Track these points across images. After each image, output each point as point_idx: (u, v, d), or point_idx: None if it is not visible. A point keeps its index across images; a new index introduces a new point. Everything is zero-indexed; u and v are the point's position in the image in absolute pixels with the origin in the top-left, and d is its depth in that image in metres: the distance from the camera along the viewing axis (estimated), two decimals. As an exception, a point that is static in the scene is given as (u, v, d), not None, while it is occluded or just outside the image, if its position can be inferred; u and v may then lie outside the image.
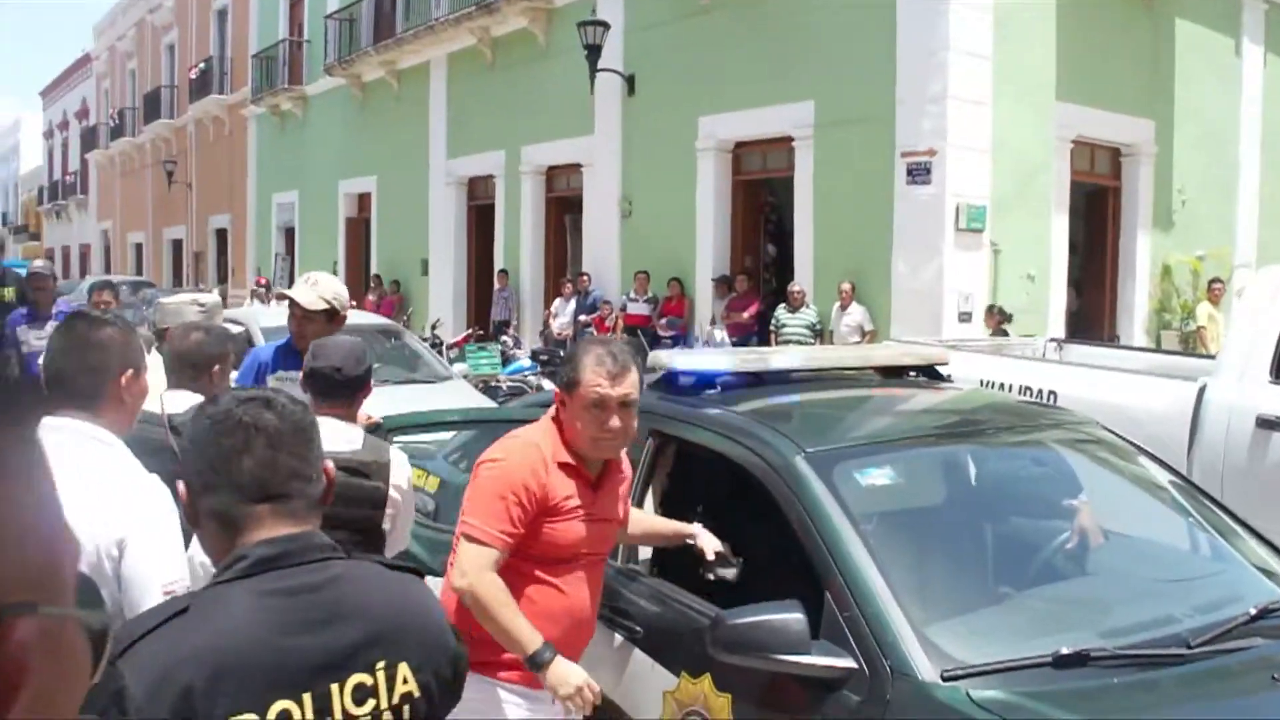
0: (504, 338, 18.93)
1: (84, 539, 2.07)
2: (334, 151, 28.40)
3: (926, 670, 2.83)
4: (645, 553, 4.19)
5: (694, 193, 17.68)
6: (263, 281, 25.75)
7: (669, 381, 4.30)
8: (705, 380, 4.17)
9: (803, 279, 15.87)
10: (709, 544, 3.71)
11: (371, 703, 1.84)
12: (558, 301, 20.10)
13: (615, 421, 3.28)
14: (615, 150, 19.22)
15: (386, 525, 3.63)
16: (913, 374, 4.80)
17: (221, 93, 35.33)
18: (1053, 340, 9.96)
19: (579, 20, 17.92)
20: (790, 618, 2.96)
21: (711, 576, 3.58)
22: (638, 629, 3.67)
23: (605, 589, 3.61)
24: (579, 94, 19.06)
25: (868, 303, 14.98)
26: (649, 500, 4.17)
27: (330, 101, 28.51)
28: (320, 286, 5.04)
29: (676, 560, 4.02)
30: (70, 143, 56.41)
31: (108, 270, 45.81)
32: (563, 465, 3.33)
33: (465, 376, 12.40)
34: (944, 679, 2.80)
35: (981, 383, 7.24)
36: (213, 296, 5.70)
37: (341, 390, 3.82)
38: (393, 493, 3.64)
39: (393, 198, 26.06)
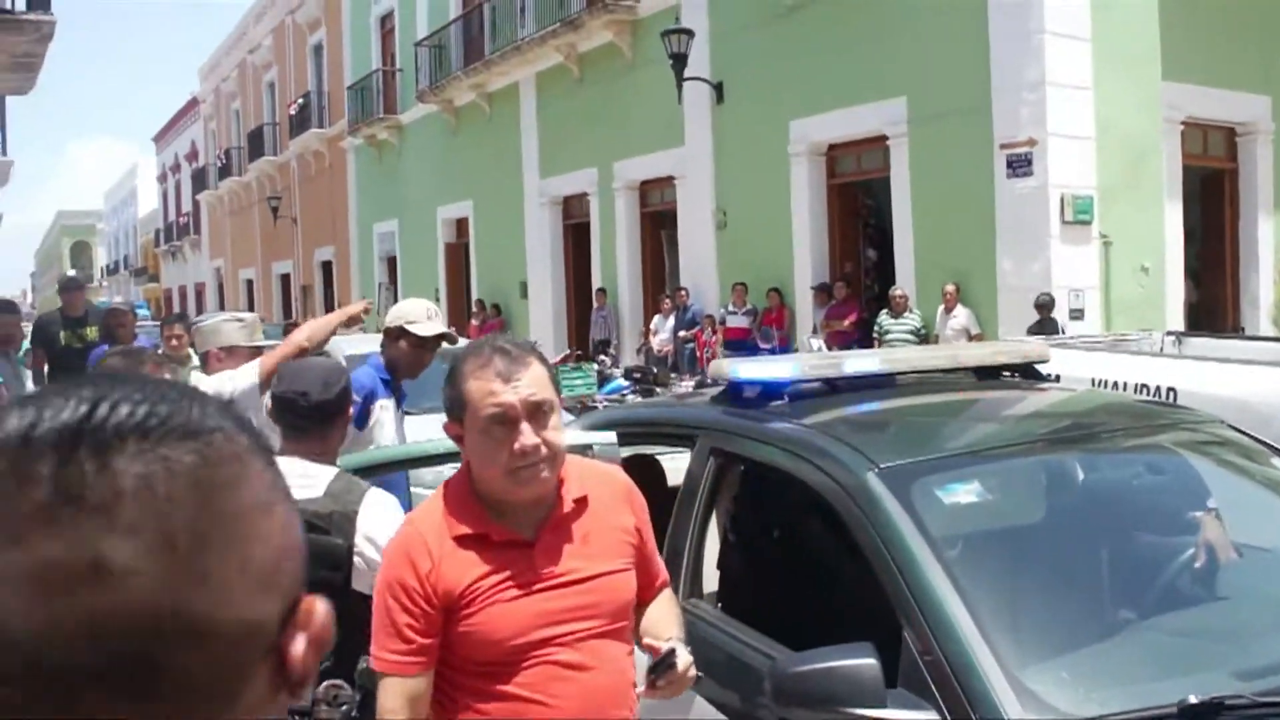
0: (601, 357, 18.63)
1: None
2: (430, 178, 28.49)
3: (1022, 725, 2.37)
4: (711, 583, 3.77)
5: (789, 199, 17.25)
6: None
7: (732, 393, 3.87)
8: (771, 390, 3.73)
9: (904, 282, 15.33)
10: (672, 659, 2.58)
11: None
12: (657, 318, 19.80)
13: (528, 438, 2.39)
14: (707, 160, 18.86)
15: (363, 587, 3.18)
16: (1010, 374, 4.30)
17: (320, 126, 35.72)
18: (1171, 334, 9.29)
19: (663, 30, 17.58)
20: (861, 664, 2.52)
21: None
22: (697, 674, 3.24)
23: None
24: (668, 105, 18.76)
25: (973, 304, 14.37)
26: (712, 528, 3.75)
27: (424, 128, 28.61)
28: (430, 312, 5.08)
29: (745, 591, 3.59)
30: (182, 184, 57.70)
31: (221, 307, 46.60)
32: (461, 539, 2.45)
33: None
34: (1043, 737, 2.34)
35: (1093, 382, 6.68)
36: (252, 315, 5.42)
37: (308, 421, 3.40)
38: (361, 548, 3.15)
39: (489, 221, 26.01)
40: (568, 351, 20.69)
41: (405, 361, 4.97)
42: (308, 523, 3.06)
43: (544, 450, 2.41)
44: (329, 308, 35.57)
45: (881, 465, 3.02)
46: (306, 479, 3.22)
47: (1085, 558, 3.12)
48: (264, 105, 42.66)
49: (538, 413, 2.42)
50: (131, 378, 0.79)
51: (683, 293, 19.19)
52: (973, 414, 3.78)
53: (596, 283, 22.12)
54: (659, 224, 21.41)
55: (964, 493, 3.05)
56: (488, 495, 2.48)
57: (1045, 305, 13.13)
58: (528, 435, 2.39)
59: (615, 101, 20.92)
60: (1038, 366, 4.35)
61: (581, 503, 2.55)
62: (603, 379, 16.37)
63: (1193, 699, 2.36)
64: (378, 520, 3.19)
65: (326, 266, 37.35)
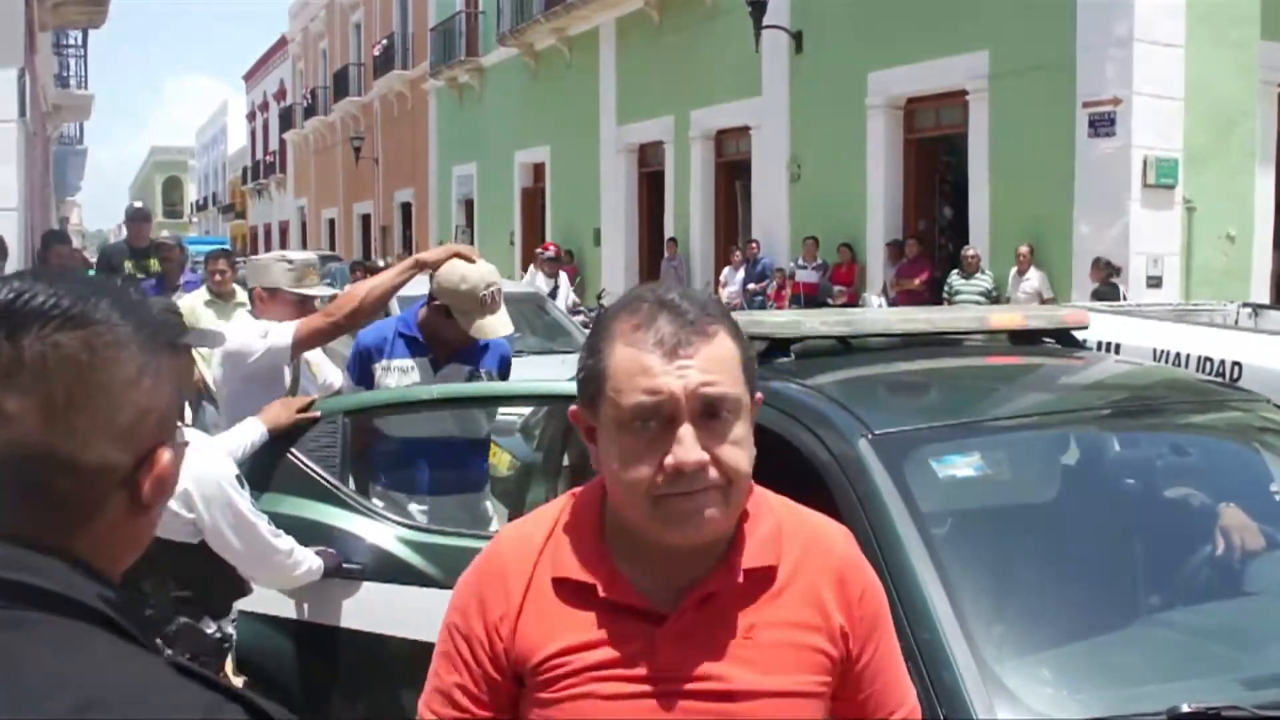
0: (668, 308, 18.37)
1: None
2: (509, 122, 28.38)
3: (991, 726, 2.15)
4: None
5: (864, 153, 16.89)
6: (551, 248, 18.61)
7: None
8: (778, 347, 3.51)
9: (978, 243, 14.92)
10: None
11: None
12: (727, 270, 19.56)
13: (688, 451, 1.56)
14: (783, 111, 18.51)
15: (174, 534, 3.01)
16: (1050, 342, 4.01)
17: (403, 68, 35.77)
18: (1247, 305, 8.87)
19: (742, -25, 17.22)
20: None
21: None
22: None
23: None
24: (746, 54, 18.43)
25: (1047, 267, 13.94)
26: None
27: (505, 72, 28.47)
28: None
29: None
30: (270, 123, 58.15)
31: (304, 245, 47.02)
32: (563, 584, 1.68)
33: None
34: (1011, 740, 2.11)
35: (1155, 353, 6.35)
36: (306, 255, 4.99)
37: None
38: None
39: (566, 167, 25.86)
40: (635, 301, 20.43)
41: (444, 339, 4.38)
42: None
43: (714, 474, 1.56)
44: (407, 249, 35.72)
45: (876, 432, 2.80)
46: None
47: (1093, 544, 2.86)
48: (350, 46, 42.78)
49: (712, 413, 1.57)
50: (59, 275, 1.13)
51: (754, 245, 18.93)
52: (992, 381, 3.52)
53: (668, 232, 21.90)
54: (733, 174, 21.11)
55: (962, 465, 2.80)
56: (619, 528, 1.68)
57: (1105, 267, 12.69)
58: (688, 446, 1.55)
59: (694, 49, 20.59)
60: (1079, 334, 4.05)
61: (766, 574, 1.69)
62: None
63: (1185, 707, 2.12)
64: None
65: (406, 208, 37.50)
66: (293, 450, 3.68)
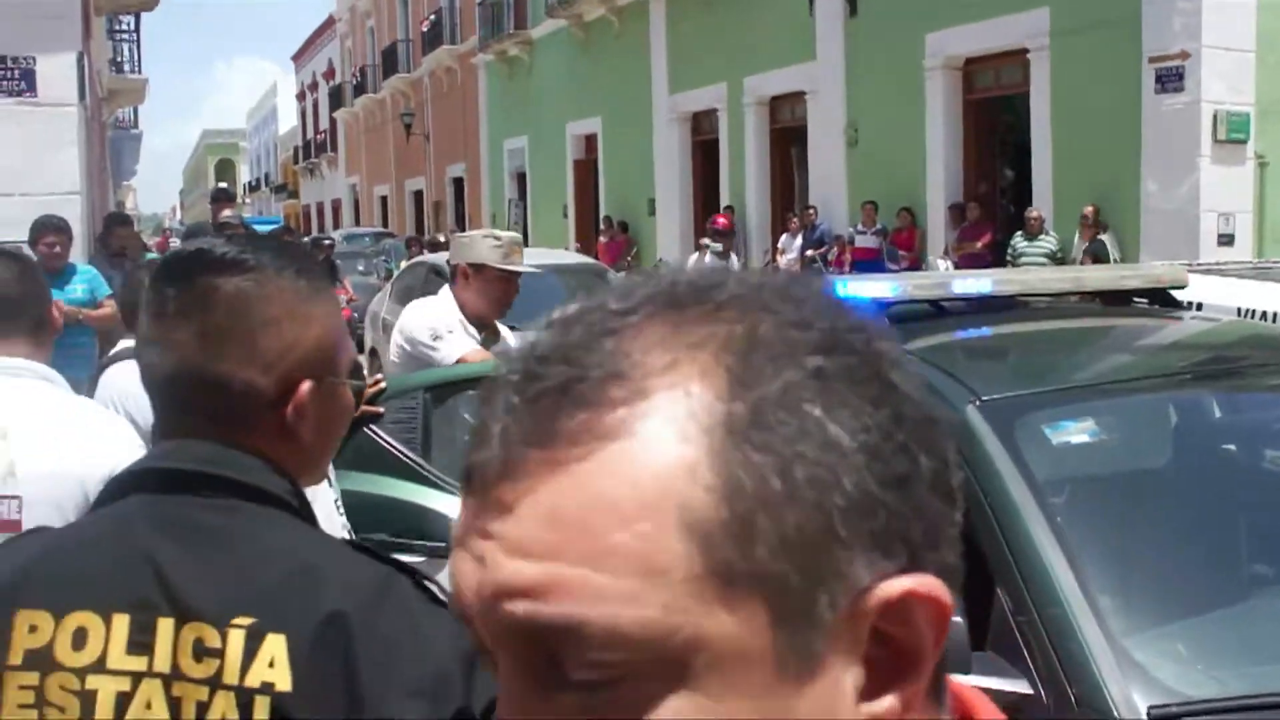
0: (725, 277, 18.26)
1: (73, 479, 2.17)
2: (560, 94, 28.24)
3: (1126, 703, 2.05)
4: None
5: (923, 116, 16.62)
6: (722, 220, 18.86)
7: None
8: (868, 312, 3.40)
9: (1041, 204, 14.65)
10: None
11: (214, 665, 1.22)
12: (784, 237, 19.39)
13: None
14: (838, 75, 18.26)
15: None
16: (1142, 302, 3.87)
17: (452, 43, 35.65)
18: (1328, 260, 8.63)
19: (795, -62, 16.98)
20: (944, 622, 2.21)
21: None
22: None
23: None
24: (799, 18, 18.23)
25: (1114, 227, 13.65)
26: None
27: (554, 44, 28.31)
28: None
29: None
30: (320, 103, 58.31)
31: (356, 223, 47.19)
32: None
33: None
34: (1151, 717, 2.01)
35: (1240, 312, 6.16)
36: (511, 235, 4.80)
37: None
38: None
39: (618, 138, 25.71)
40: (692, 271, 20.34)
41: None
42: None
43: None
44: (460, 224, 35.75)
45: (983, 398, 2.69)
46: None
47: (1217, 510, 2.73)
48: (398, 22, 42.73)
49: (551, 658, 0.63)
50: (239, 236, 1.93)
51: (811, 211, 18.73)
52: (1094, 344, 3.40)
53: (724, 201, 21.70)
54: (788, 141, 20.88)
55: (1076, 431, 2.69)
56: None
57: (1095, 224, 12.42)
58: None
59: (746, 14, 20.34)
60: (1175, 293, 3.91)
61: None
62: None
63: (1332, 683, 2.01)
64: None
65: (458, 183, 37.47)
66: (372, 427, 3.63)
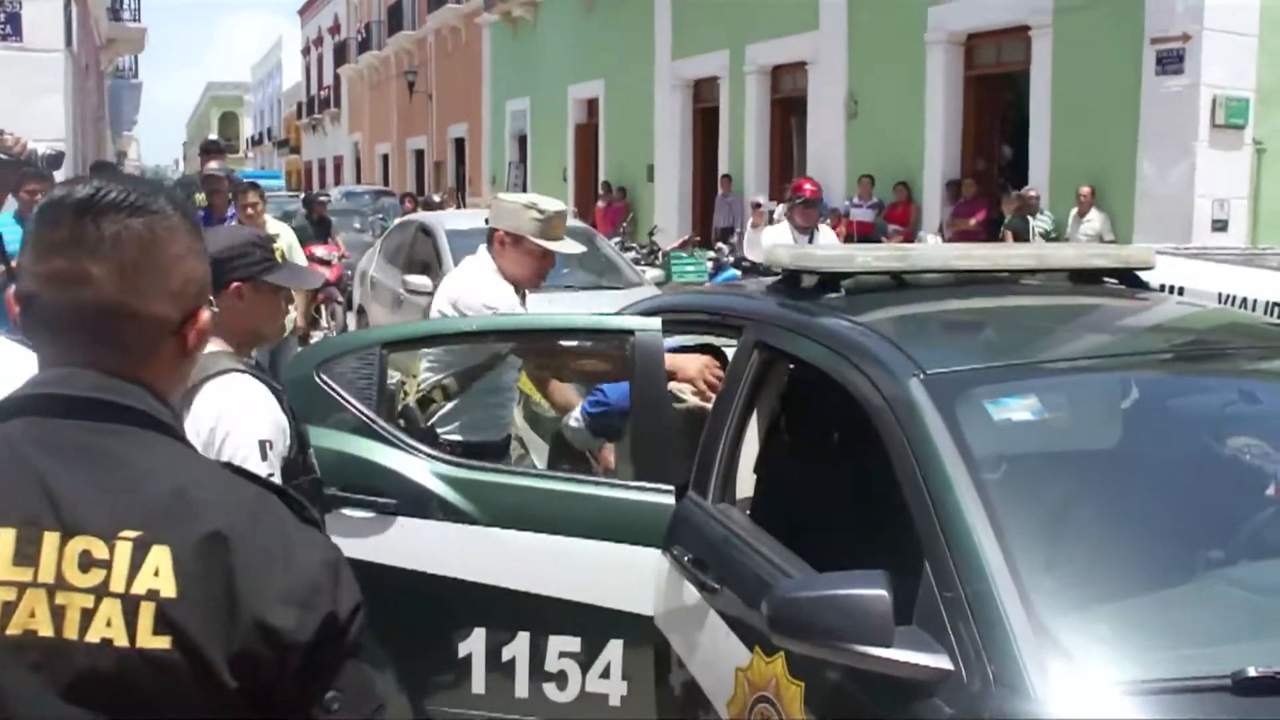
0: (720, 245, 18.22)
1: None
2: (563, 56, 28.05)
3: (1043, 684, 2.03)
4: (745, 488, 3.46)
5: (923, 90, 16.52)
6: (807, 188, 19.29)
7: (788, 283, 3.52)
8: (829, 282, 3.37)
9: (1038, 182, 14.57)
10: None
11: (100, 574, 1.33)
12: (780, 208, 19.22)
13: None
14: (841, 46, 18.15)
15: None
16: (1114, 282, 3.83)
17: (458, 2, 35.39)
18: (1318, 248, 8.57)
19: (801, -94, 16.81)
20: (869, 594, 2.19)
21: None
22: (714, 584, 2.96)
23: (687, 525, 2.96)
24: (803, -14, 18.05)
25: (1109, 209, 13.59)
26: (752, 427, 3.43)
27: (559, 5, 28.10)
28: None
29: (779, 502, 3.28)
30: (325, 58, 57.94)
31: (358, 181, 47.04)
32: None
33: (658, 283, 11.75)
34: (1065, 699, 1.99)
35: (1221, 296, 6.12)
36: (555, 207, 4.39)
37: None
38: (190, 439, 2.56)
39: (620, 102, 25.57)
40: (686, 237, 20.31)
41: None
42: None
43: None
44: (459, 185, 35.64)
45: (928, 371, 2.66)
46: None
47: (1158, 493, 2.71)
48: (405, -22, 42.42)
49: None
50: (125, 177, 1.59)
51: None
52: (1051, 322, 3.36)
53: (723, 169, 21.60)
54: (789, 111, 20.75)
55: (1019, 409, 2.66)
56: None
57: (1018, 199, 12.31)
58: None
59: (751, -20, 20.19)
60: (1155, 276, 3.86)
61: None
62: (719, 267, 15.97)
63: (1252, 671, 1.99)
64: (205, 407, 2.70)
65: (459, 143, 37.31)
66: (327, 380, 3.60)
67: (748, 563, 2.92)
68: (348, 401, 3.57)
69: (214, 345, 2.72)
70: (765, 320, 3.33)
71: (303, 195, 19.74)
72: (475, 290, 4.22)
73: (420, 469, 3.48)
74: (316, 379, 3.61)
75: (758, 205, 16.85)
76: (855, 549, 2.84)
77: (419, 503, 3.44)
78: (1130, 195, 13.34)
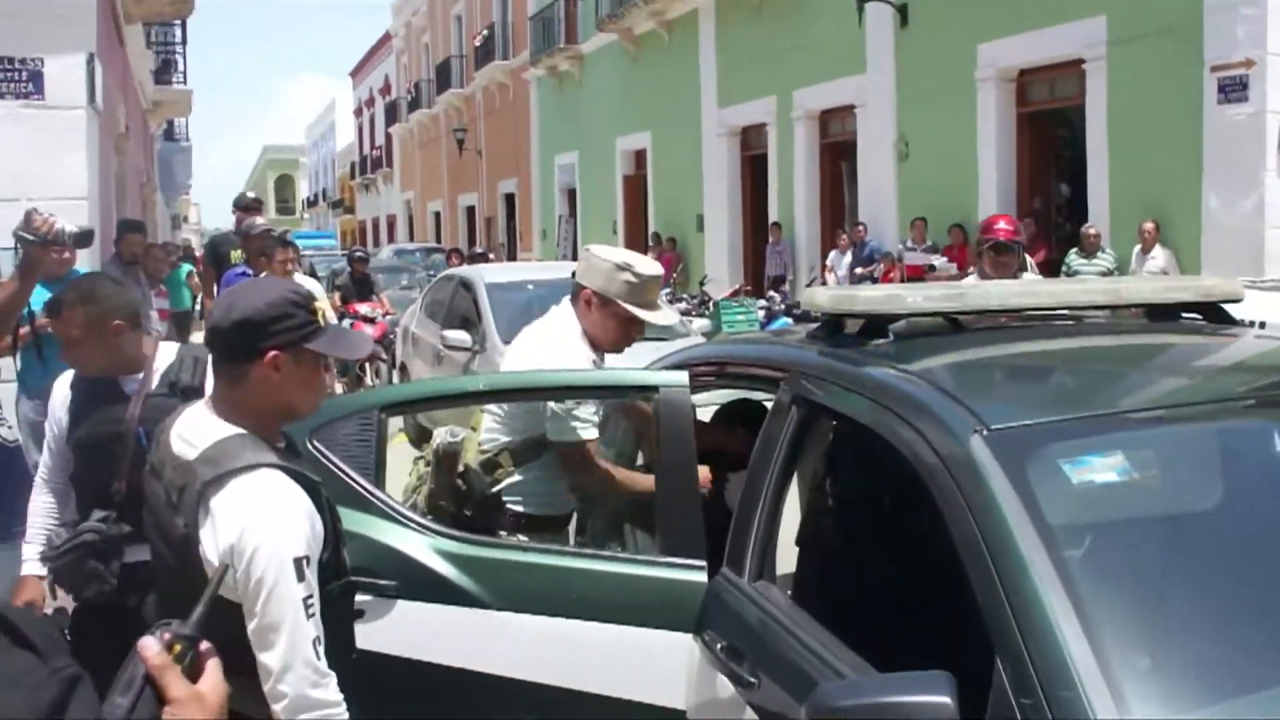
0: (771, 294, 17.87)
1: None
2: (610, 109, 28.02)
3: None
4: (786, 563, 3.06)
5: (975, 129, 16.13)
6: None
7: (829, 329, 3.14)
8: (875, 326, 2.99)
9: (1098, 220, 14.08)
10: None
11: None
12: (833, 254, 18.97)
13: None
14: (889, 88, 17.81)
15: (233, 597, 2.29)
16: (1194, 318, 3.40)
17: (504, 58, 35.62)
18: (1404, 278, 8.06)
19: (844, -52, 16.56)
20: (929, 702, 1.80)
21: None
22: (750, 677, 2.56)
23: (721, 607, 2.56)
24: (849, 30, 17.84)
25: (1173, 244, 13.08)
26: (793, 494, 3.04)
27: (604, 58, 28.11)
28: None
29: (826, 579, 2.87)
30: (376, 119, 58.54)
31: (411, 238, 47.20)
32: None
33: (706, 334, 11.36)
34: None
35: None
36: (654, 268, 3.93)
37: (212, 350, 2.47)
38: (202, 550, 2.29)
39: (667, 153, 25.42)
40: (737, 286, 19.98)
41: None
42: (165, 492, 2.34)
43: None
44: (510, 240, 35.58)
45: (992, 427, 2.27)
46: (195, 434, 2.41)
47: (1269, 568, 2.28)
48: (452, 38, 42.78)
49: None
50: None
51: (860, 228, 18.30)
52: (1130, 364, 2.94)
53: (773, 216, 21.31)
54: (838, 156, 20.43)
55: (1103, 468, 2.24)
56: None
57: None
58: None
59: (795, 26, 19.97)
60: (1230, 308, 3.43)
61: None
62: (771, 316, 15.59)
63: None
64: (229, 512, 2.29)
65: (509, 198, 37.35)
66: (321, 448, 3.25)
67: (788, 652, 2.52)
68: (343, 472, 3.22)
69: (235, 428, 2.39)
70: (804, 371, 2.94)
71: (344, 253, 19.57)
72: (553, 352, 3.79)
73: (422, 546, 3.12)
74: (310, 447, 3.26)
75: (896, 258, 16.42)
76: (913, 636, 2.44)
77: (421, 584, 3.08)
78: (1196, 229, 12.82)
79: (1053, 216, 16.41)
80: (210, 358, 2.50)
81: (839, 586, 2.90)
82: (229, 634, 2.19)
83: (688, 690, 2.80)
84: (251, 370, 2.37)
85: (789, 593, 2.93)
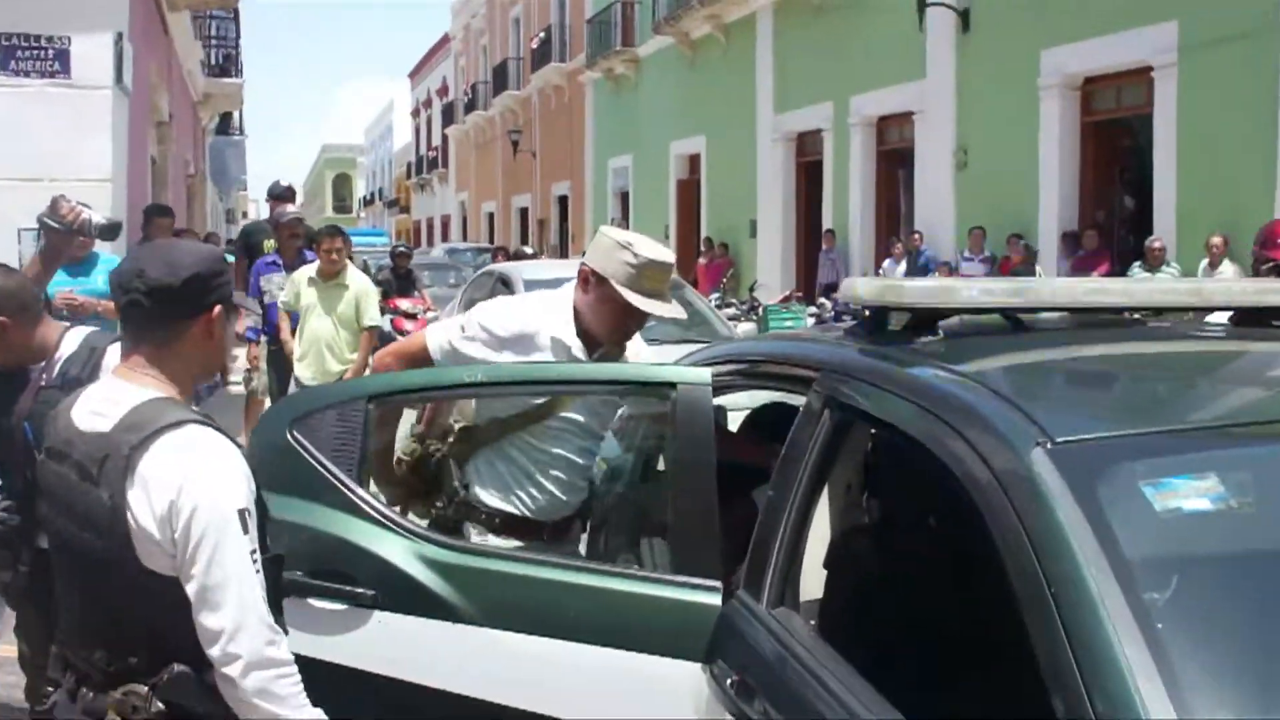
0: (822, 300, 17.46)
1: None
2: (665, 113, 27.77)
3: None
4: (812, 588, 2.69)
5: (1037, 138, 15.67)
6: None
7: (872, 325, 2.77)
8: (924, 322, 2.62)
9: (1164, 232, 13.58)
10: None
11: None
12: (887, 263, 18.55)
13: None
14: (949, 95, 17.37)
15: (158, 565, 2.15)
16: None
17: (561, 61, 35.49)
18: None
19: (906, -49, 16.17)
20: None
21: None
22: (763, 723, 2.20)
23: (734, 636, 2.23)
24: (909, 34, 17.46)
25: (1242, 260, 12.54)
26: (823, 509, 2.67)
27: (660, 61, 27.87)
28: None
29: (858, 610, 2.51)
30: (433, 120, 58.68)
31: (464, 239, 47.20)
32: None
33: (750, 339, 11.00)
34: None
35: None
36: (660, 254, 3.48)
37: (138, 313, 2.26)
38: (134, 506, 2.13)
39: (722, 158, 25.12)
40: (788, 293, 19.59)
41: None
42: (77, 469, 2.10)
43: None
44: (563, 241, 35.39)
45: (1057, 439, 1.90)
46: (107, 405, 2.24)
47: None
48: (509, 40, 42.72)
49: None
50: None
51: (916, 236, 17.87)
52: (1220, 372, 2.56)
53: (826, 223, 20.93)
54: (895, 163, 20.01)
55: (1193, 492, 1.85)
56: None
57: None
58: None
59: (854, 31, 19.60)
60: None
61: None
62: (820, 323, 15.21)
63: None
64: (160, 470, 2.14)
65: (563, 201, 37.21)
66: (302, 440, 2.93)
67: (807, 694, 2.15)
68: (324, 468, 2.89)
69: (154, 392, 2.24)
70: (840, 371, 2.58)
71: (389, 248, 19.46)
72: (509, 313, 3.45)
73: (405, 552, 2.78)
74: (290, 439, 2.93)
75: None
76: (957, 682, 2.07)
77: (402, 595, 2.74)
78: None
79: (1115, 229, 15.90)
80: (126, 331, 2.36)
81: (871, 619, 2.52)
82: (157, 614, 2.16)
83: (695, 729, 2.45)
84: (192, 327, 2.28)
85: (813, 623, 2.55)
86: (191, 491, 2.12)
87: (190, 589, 2.13)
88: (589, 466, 3.48)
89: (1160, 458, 1.93)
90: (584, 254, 3.62)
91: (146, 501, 2.13)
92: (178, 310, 2.25)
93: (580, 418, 3.37)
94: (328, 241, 8.28)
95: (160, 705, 2.15)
